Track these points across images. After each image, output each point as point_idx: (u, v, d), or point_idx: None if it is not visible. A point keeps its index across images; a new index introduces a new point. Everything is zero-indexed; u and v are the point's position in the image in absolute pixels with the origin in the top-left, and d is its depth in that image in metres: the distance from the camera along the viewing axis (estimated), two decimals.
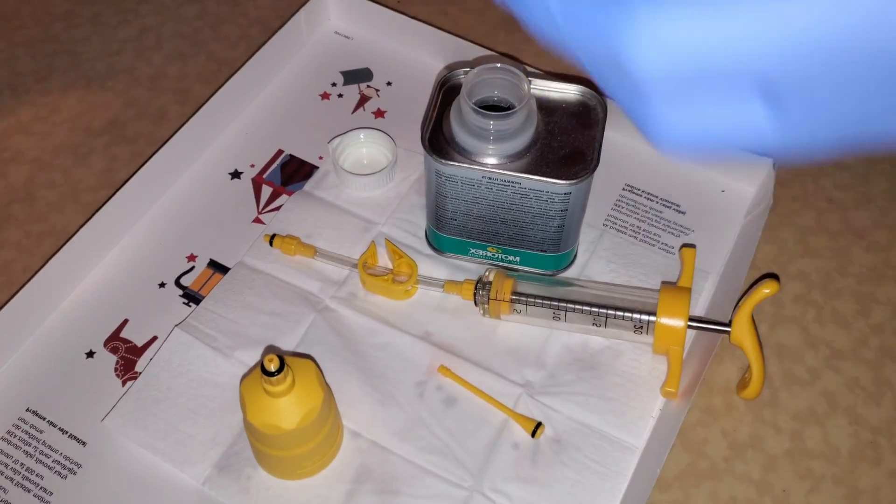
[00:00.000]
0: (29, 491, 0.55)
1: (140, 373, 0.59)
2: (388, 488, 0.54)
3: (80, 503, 0.54)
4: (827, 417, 0.58)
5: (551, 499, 0.54)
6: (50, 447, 0.56)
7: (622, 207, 0.67)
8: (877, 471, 0.56)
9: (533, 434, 0.56)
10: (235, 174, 0.69)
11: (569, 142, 0.57)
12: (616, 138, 0.70)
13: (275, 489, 0.54)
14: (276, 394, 0.49)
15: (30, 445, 0.56)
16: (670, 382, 0.56)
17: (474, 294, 0.60)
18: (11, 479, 0.55)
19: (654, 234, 0.65)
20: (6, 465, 0.56)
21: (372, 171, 0.68)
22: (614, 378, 0.58)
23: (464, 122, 0.55)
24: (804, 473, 0.56)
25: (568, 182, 0.55)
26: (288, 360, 0.49)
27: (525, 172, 0.55)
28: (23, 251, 0.66)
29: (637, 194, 0.68)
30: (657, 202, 0.67)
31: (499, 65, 0.56)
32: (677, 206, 0.67)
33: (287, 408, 0.49)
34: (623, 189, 0.68)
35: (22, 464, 0.56)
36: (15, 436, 0.57)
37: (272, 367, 0.47)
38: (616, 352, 0.59)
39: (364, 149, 0.70)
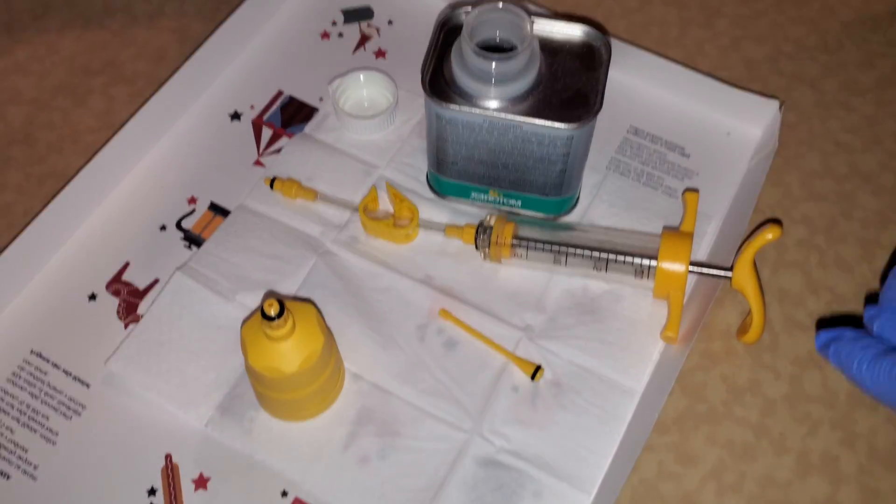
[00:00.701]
0: (35, 431, 0.55)
1: (142, 315, 0.59)
2: (388, 430, 0.55)
3: (85, 443, 0.55)
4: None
5: (550, 441, 0.54)
6: (54, 388, 0.57)
7: (626, 150, 0.66)
8: (874, 415, 0.56)
9: (532, 377, 0.56)
10: (235, 115, 0.69)
11: (572, 84, 0.56)
12: (621, 79, 0.69)
13: (277, 430, 0.55)
14: (276, 338, 0.49)
15: (34, 387, 0.57)
16: (670, 327, 0.56)
17: (475, 238, 0.60)
18: (18, 420, 0.56)
19: (658, 178, 0.65)
20: (12, 406, 0.56)
21: (373, 113, 0.67)
22: (614, 322, 0.58)
23: (465, 64, 0.54)
24: (802, 417, 0.56)
25: (570, 126, 0.54)
26: (288, 304, 0.50)
27: (527, 116, 0.54)
28: (23, 193, 0.66)
29: (641, 137, 0.67)
30: (661, 145, 0.67)
31: (501, 4, 0.55)
32: (682, 148, 0.66)
33: (288, 351, 0.50)
34: (627, 132, 0.67)
35: (28, 405, 0.56)
36: (20, 377, 0.57)
37: (272, 312, 0.47)
38: (616, 296, 0.59)
39: (364, 91, 0.69)
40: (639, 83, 0.69)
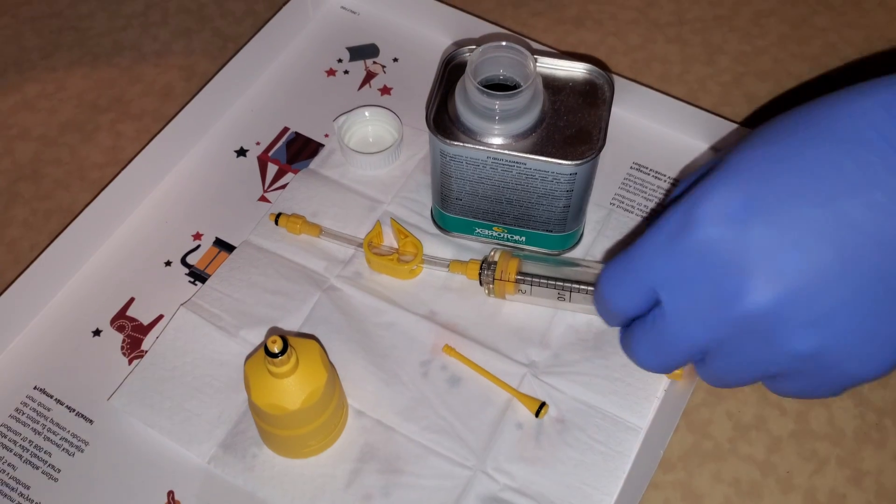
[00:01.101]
0: (37, 468, 0.55)
1: (146, 351, 0.59)
2: (392, 467, 0.55)
3: (87, 481, 0.55)
4: (832, 399, 0.58)
5: (555, 478, 0.54)
6: (57, 425, 0.57)
7: (629, 186, 0.67)
8: (881, 453, 0.56)
9: (537, 414, 0.56)
10: (241, 152, 0.69)
11: (575, 121, 0.56)
12: (624, 116, 0.69)
13: (280, 468, 0.55)
14: (279, 374, 0.49)
15: (38, 423, 0.57)
16: None
17: (479, 274, 0.60)
18: (20, 457, 0.56)
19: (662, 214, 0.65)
20: (14, 443, 0.56)
21: (378, 149, 0.67)
22: (619, 358, 0.58)
23: (469, 102, 0.55)
24: (808, 454, 0.56)
25: (573, 162, 0.54)
26: (292, 340, 0.50)
27: (530, 153, 0.55)
28: (30, 229, 0.66)
29: (645, 173, 0.67)
30: (665, 181, 0.67)
31: (504, 43, 0.55)
32: None
33: (291, 388, 0.49)
34: (631, 167, 0.67)
35: (30, 441, 0.56)
36: (23, 413, 0.57)
37: (275, 349, 0.47)
38: None
39: (370, 127, 0.69)
40: (642, 119, 0.69)
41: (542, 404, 0.56)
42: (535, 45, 0.71)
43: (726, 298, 0.37)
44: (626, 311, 0.43)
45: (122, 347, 0.60)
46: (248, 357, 0.57)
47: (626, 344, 0.44)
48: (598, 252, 0.63)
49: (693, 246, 0.38)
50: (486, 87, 0.54)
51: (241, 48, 0.71)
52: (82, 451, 0.56)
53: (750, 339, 0.38)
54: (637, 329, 0.42)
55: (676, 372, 0.55)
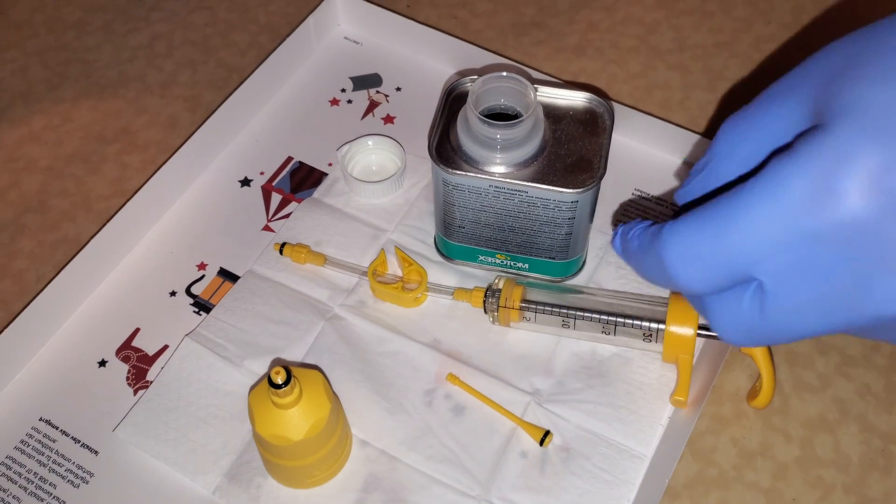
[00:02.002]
0: (42, 500, 0.55)
1: (151, 382, 0.59)
2: (396, 497, 0.55)
3: None
4: (838, 425, 0.58)
5: None
6: (63, 456, 0.57)
7: (632, 212, 0.67)
8: (888, 479, 0.56)
9: (541, 442, 0.56)
10: (245, 182, 0.70)
11: (576, 149, 0.57)
12: (625, 142, 0.70)
13: (284, 498, 0.55)
14: (283, 405, 0.49)
15: (43, 455, 0.57)
16: (680, 391, 0.56)
17: (484, 301, 0.60)
18: (25, 489, 0.56)
19: None
20: (19, 475, 0.56)
21: (381, 177, 0.68)
22: (623, 386, 0.58)
23: (470, 131, 0.55)
24: (814, 481, 0.56)
25: (575, 190, 0.55)
26: (295, 371, 0.50)
27: (532, 181, 0.55)
28: (35, 260, 0.67)
29: (647, 199, 0.67)
30: (667, 207, 0.67)
31: (504, 73, 0.56)
32: None
33: (295, 419, 0.50)
34: (632, 194, 0.68)
35: (35, 473, 0.56)
36: (28, 445, 0.57)
37: (279, 380, 0.48)
38: (625, 359, 0.59)
39: (373, 155, 0.70)
40: (643, 146, 0.70)
41: (547, 433, 0.56)
42: (536, 75, 0.72)
43: (872, 299, 0.29)
44: (700, 289, 0.35)
45: (128, 378, 0.60)
46: (252, 388, 0.58)
47: (704, 312, 0.37)
48: (602, 278, 0.63)
49: (833, 228, 0.29)
50: (487, 116, 0.54)
51: (245, 79, 0.71)
52: (87, 483, 0.56)
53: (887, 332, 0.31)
54: (724, 307, 0.35)
55: (680, 400, 0.55)
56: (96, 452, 0.57)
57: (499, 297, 0.59)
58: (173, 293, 0.64)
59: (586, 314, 0.58)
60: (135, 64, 0.78)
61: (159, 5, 0.83)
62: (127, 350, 0.61)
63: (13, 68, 0.78)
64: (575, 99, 0.59)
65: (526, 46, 0.78)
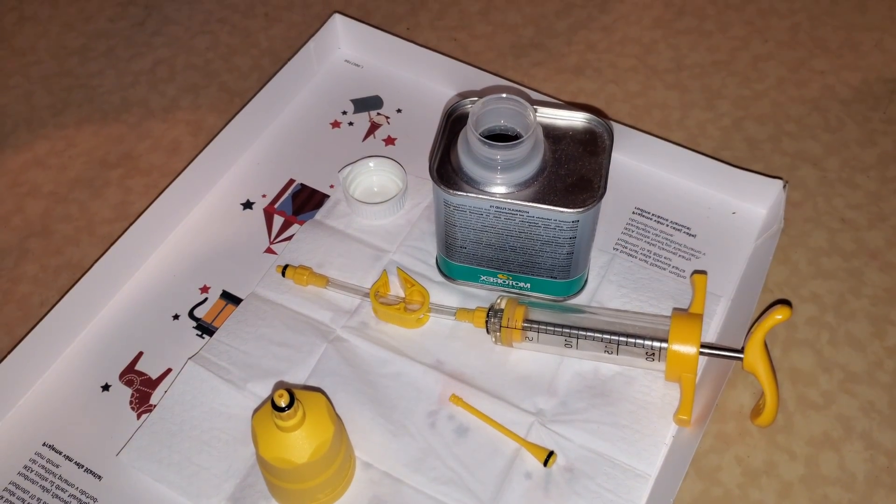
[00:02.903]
0: None
1: (155, 405, 0.59)
2: None
3: None
4: (842, 442, 0.58)
5: None
6: (66, 481, 0.57)
7: (632, 231, 0.67)
8: (894, 496, 0.55)
9: (545, 463, 0.56)
10: (247, 204, 0.70)
11: (576, 169, 0.57)
12: (625, 161, 0.70)
13: None
14: (286, 428, 0.49)
15: (46, 480, 0.57)
16: (683, 409, 0.56)
17: (486, 321, 0.60)
18: None
19: (665, 258, 0.65)
20: (23, 501, 0.56)
21: (382, 199, 0.68)
22: (626, 405, 0.58)
23: (471, 153, 0.56)
24: (820, 500, 0.55)
25: (575, 210, 0.55)
26: (298, 394, 0.50)
27: (532, 201, 0.55)
28: (39, 285, 0.67)
29: (647, 217, 0.68)
30: (668, 225, 0.67)
31: (504, 95, 0.56)
32: (688, 228, 0.67)
33: (298, 442, 0.49)
34: (633, 213, 0.68)
35: (38, 499, 0.56)
36: (32, 470, 0.57)
37: (282, 403, 0.48)
38: (628, 378, 0.59)
39: (374, 177, 0.70)
40: (643, 165, 0.70)
41: (551, 453, 0.56)
42: (535, 95, 0.72)
43: None
44: None
45: (131, 402, 0.60)
46: (256, 411, 0.58)
47: None
48: (603, 297, 0.63)
49: None
50: (487, 137, 0.55)
51: (247, 102, 0.72)
52: None
53: None
54: None
55: (684, 418, 0.55)
56: (100, 477, 0.57)
57: (501, 318, 0.59)
58: (176, 316, 0.64)
59: (589, 333, 0.58)
60: (137, 89, 0.79)
61: (161, 30, 0.83)
62: (130, 374, 0.61)
63: (17, 94, 0.79)
64: (574, 119, 0.59)
65: (525, 67, 0.79)
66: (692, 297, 0.61)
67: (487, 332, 0.60)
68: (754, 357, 0.55)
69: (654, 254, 0.66)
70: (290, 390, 0.48)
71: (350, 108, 0.76)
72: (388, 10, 0.84)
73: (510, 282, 0.62)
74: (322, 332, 0.62)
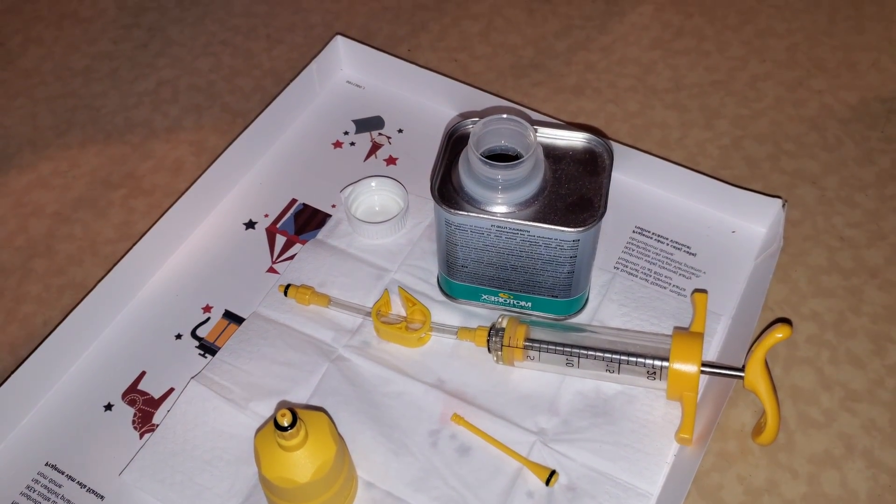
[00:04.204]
0: None
1: (157, 425, 0.60)
2: None
3: None
4: (844, 460, 0.58)
5: None
6: (69, 501, 0.57)
7: (633, 250, 0.67)
8: None
9: (547, 482, 0.56)
10: (250, 224, 0.70)
11: (576, 189, 0.57)
12: (625, 181, 0.70)
13: None
14: (289, 448, 0.49)
15: (49, 500, 0.57)
16: (684, 428, 0.56)
17: (487, 341, 0.60)
18: None
19: (666, 277, 0.66)
20: None
21: (384, 218, 0.69)
22: (628, 424, 0.58)
23: (472, 172, 0.56)
24: None
25: (576, 230, 0.55)
26: (301, 413, 0.50)
27: (533, 221, 0.56)
28: (43, 304, 0.67)
29: (647, 236, 0.68)
30: (668, 244, 0.68)
31: (504, 115, 0.57)
32: (688, 247, 0.67)
33: (300, 461, 0.50)
34: (633, 231, 0.68)
35: None
36: (34, 490, 0.57)
37: (285, 422, 0.48)
38: (629, 397, 0.59)
39: (376, 196, 0.71)
40: (643, 184, 0.71)
41: (553, 472, 0.56)
42: (535, 115, 0.73)
43: None
44: None
45: (134, 422, 0.60)
46: (258, 430, 0.58)
47: None
48: (605, 316, 0.63)
49: None
50: (488, 157, 0.55)
51: (249, 123, 0.73)
52: None
53: None
54: None
55: (685, 437, 0.55)
56: (102, 497, 0.57)
57: (502, 337, 0.60)
58: (179, 336, 0.64)
59: (590, 352, 0.58)
60: (141, 109, 0.80)
61: (165, 52, 0.84)
62: (133, 393, 0.62)
63: (22, 115, 0.80)
64: (574, 139, 0.59)
65: (525, 88, 0.79)
66: (693, 315, 0.61)
67: (489, 351, 0.60)
68: (755, 375, 0.56)
69: (655, 272, 0.66)
70: (293, 409, 0.48)
71: (352, 128, 0.76)
72: (390, 32, 0.85)
73: (511, 301, 0.63)
74: (324, 352, 0.62)
